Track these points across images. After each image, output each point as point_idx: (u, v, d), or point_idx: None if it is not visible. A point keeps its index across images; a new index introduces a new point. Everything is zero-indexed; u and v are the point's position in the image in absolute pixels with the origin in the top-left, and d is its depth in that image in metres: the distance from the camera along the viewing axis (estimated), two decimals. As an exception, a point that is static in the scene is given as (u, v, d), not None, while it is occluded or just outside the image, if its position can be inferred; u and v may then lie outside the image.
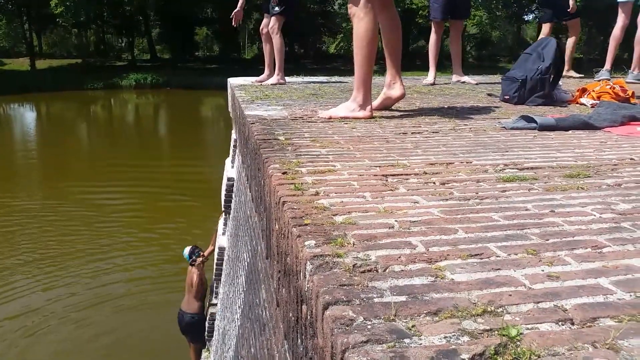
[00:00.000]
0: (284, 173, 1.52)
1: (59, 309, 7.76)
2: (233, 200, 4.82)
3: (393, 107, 2.94)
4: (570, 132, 2.27)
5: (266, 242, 1.81)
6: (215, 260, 5.66)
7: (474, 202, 1.26)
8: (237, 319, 3.22)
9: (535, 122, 2.30)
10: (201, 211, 11.03)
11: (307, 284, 0.89)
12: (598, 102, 3.12)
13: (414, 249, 0.96)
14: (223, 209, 5.39)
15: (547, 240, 1.00)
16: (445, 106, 3.17)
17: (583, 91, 3.30)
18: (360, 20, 2.49)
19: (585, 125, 2.31)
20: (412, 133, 2.22)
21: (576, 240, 1.00)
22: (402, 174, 1.52)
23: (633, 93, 3.31)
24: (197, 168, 15.05)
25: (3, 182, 14.37)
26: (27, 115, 27.18)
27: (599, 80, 3.61)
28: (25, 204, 12.46)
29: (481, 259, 0.92)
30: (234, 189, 4.83)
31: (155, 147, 19.10)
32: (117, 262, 9.41)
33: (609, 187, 1.39)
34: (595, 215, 1.15)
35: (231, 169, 5.16)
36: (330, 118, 2.60)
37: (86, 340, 6.92)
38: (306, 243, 0.99)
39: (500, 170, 1.58)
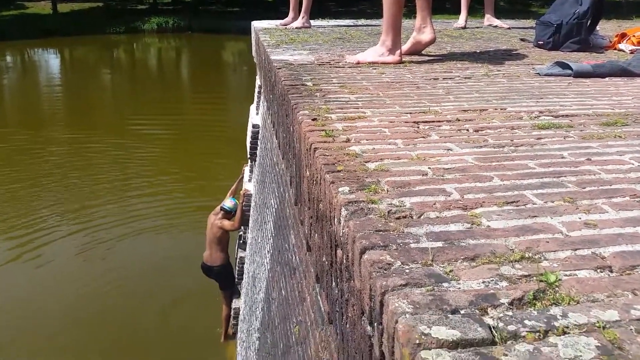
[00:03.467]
0: (313, 119, 1.51)
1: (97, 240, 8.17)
2: (259, 147, 4.84)
3: (423, 52, 2.86)
4: (607, 79, 2.19)
5: (295, 188, 1.83)
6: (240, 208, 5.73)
7: (509, 149, 1.24)
8: (267, 262, 3.31)
9: (570, 68, 2.22)
10: (224, 158, 11.16)
11: (343, 229, 0.91)
12: (638, 47, 2.99)
13: (449, 196, 0.96)
14: (248, 156, 5.42)
15: (584, 188, 0.99)
16: (477, 51, 3.07)
17: (622, 36, 3.16)
18: None
19: (623, 72, 2.22)
20: (443, 79, 2.17)
21: (614, 189, 0.99)
22: (434, 121, 1.50)
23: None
24: (220, 116, 15.07)
25: (29, 128, 14.66)
26: (50, 60, 27.29)
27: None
28: (53, 149, 12.75)
29: (517, 206, 0.91)
30: (260, 136, 4.84)
31: (177, 94, 19.11)
32: (140, 208, 9.70)
33: (648, 136, 1.35)
34: (633, 164, 1.13)
35: (256, 116, 5.16)
36: (358, 63, 2.55)
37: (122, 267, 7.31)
38: (340, 189, 1.00)
39: (535, 117, 1.54)
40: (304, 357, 1.88)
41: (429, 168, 1.11)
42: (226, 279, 5.87)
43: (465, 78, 2.18)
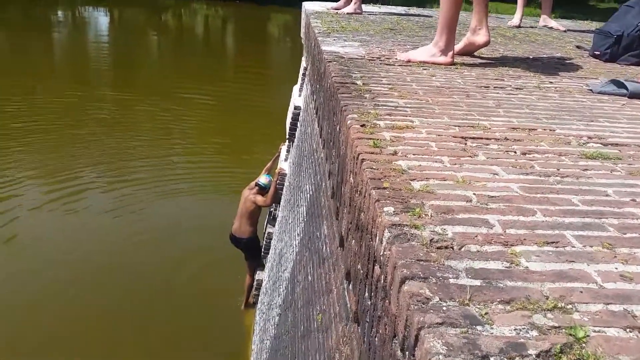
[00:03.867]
0: (362, 125, 1.54)
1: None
2: (298, 130, 4.89)
3: (475, 54, 2.84)
4: (663, 102, 2.14)
5: (335, 185, 1.88)
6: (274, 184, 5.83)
7: (555, 179, 1.25)
8: (295, 245, 3.39)
9: (625, 88, 2.18)
10: (262, 132, 11.29)
11: (384, 250, 0.95)
12: (700, 67, 2.89)
13: (491, 228, 1.00)
14: (287, 136, 5.48)
15: (625, 234, 1.01)
16: (531, 57, 3.02)
17: (685, 53, 3.04)
18: None
19: (682, 97, 2.16)
20: (494, 87, 2.16)
21: (656, 238, 1.00)
22: (482, 138, 1.52)
23: None
24: (261, 91, 15.15)
25: (76, 83, 15.07)
26: (100, 19, 27.84)
27: None
28: (98, 106, 13.12)
29: (557, 247, 0.94)
30: (300, 118, 4.89)
31: (220, 63, 19.27)
32: (177, 172, 9.97)
33: (698, 177, 1.34)
34: (679, 211, 1.13)
35: (298, 98, 5.19)
36: (409, 61, 2.55)
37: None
38: (385, 209, 1.04)
39: (583, 143, 1.54)
40: (324, 345, 1.95)
41: (474, 194, 1.14)
42: (253, 251, 6.03)
43: (517, 89, 2.17)
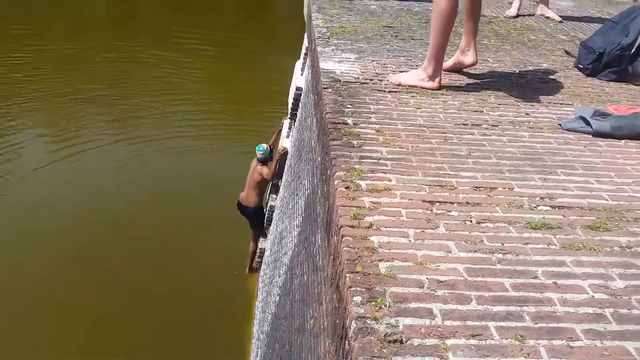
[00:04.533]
0: (347, 187, 1.83)
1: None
2: (299, 112, 5.11)
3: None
4: (622, 142, 2.39)
5: (325, 225, 2.17)
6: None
7: (497, 257, 1.55)
8: (295, 236, 3.72)
9: (591, 126, 2.42)
10: (267, 89, 11.41)
11: (351, 341, 1.27)
12: (674, 86, 3.08)
13: (433, 319, 1.30)
14: (289, 115, 5.70)
15: (537, 324, 1.31)
16: (517, 71, 3.22)
17: (662, 69, 3.23)
18: None
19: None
20: (471, 125, 2.41)
21: (559, 328, 1.31)
22: (447, 202, 1.80)
23: None
24: (264, 54, 14.96)
25: (75, 34, 15.00)
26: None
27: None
28: (100, 58, 13.16)
29: (479, 340, 1.25)
30: (302, 99, 5.10)
31: (222, 26, 18.90)
32: (181, 126, 10.22)
33: (618, 251, 1.63)
34: (588, 294, 1.43)
35: (300, 77, 5.37)
36: (399, 85, 2.78)
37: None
38: (354, 299, 1.35)
39: (534, 207, 1.82)
40: (315, 350, 2.31)
41: (427, 278, 1.44)
42: (257, 220, 6.40)
43: (492, 126, 2.41)
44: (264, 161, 6.14)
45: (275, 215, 5.63)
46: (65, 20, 17.06)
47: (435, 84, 2.76)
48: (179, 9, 18.85)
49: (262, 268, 6.06)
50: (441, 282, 1.43)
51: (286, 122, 6.10)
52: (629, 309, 1.40)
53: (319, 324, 2.27)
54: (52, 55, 13.01)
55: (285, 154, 5.73)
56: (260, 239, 6.30)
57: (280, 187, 5.70)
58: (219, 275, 6.50)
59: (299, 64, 5.66)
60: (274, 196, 6.09)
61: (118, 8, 18.90)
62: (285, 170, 5.46)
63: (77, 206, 7.58)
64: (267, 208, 6.12)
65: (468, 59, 2.94)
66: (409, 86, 2.77)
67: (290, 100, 5.57)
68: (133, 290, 6.23)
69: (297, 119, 5.26)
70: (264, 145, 6.23)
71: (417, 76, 2.80)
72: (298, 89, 5.26)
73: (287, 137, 5.89)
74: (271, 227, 5.72)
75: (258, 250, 6.35)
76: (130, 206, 7.66)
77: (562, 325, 1.32)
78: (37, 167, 8.51)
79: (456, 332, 1.27)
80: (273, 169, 5.97)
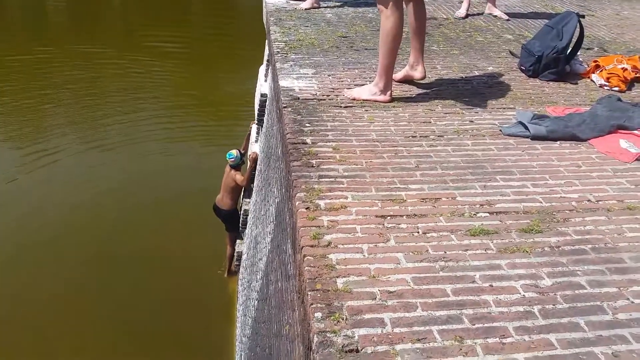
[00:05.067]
0: (307, 208, 2.01)
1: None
2: (265, 118, 5.26)
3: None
4: (558, 143, 2.62)
5: (292, 241, 2.34)
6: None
7: (440, 265, 1.75)
8: (268, 242, 3.89)
9: (529, 130, 2.65)
10: (235, 86, 11.49)
11: (314, 353, 1.45)
12: (606, 84, 3.35)
13: (384, 327, 1.50)
14: (256, 122, 5.84)
15: (474, 324, 1.52)
16: (464, 77, 3.43)
17: (596, 67, 3.49)
18: (387, 18, 2.75)
19: (573, 137, 2.65)
20: (420, 137, 2.61)
21: (493, 327, 1.52)
22: (396, 215, 2.00)
23: (645, 71, 3.50)
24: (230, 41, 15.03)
25: (37, 39, 14.76)
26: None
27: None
28: (63, 63, 13.01)
29: (423, 344, 1.45)
30: (267, 106, 5.24)
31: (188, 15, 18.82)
32: (149, 128, 10.25)
33: (549, 251, 1.85)
34: (520, 294, 1.65)
35: (264, 83, 5.51)
36: (354, 99, 2.97)
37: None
38: (315, 315, 1.53)
39: (474, 214, 2.03)
40: (291, 355, 2.49)
41: (379, 290, 1.63)
42: (232, 223, 6.55)
43: (439, 136, 2.62)
44: (236, 167, 6.27)
45: (249, 219, 5.78)
46: (26, 26, 16.75)
47: (387, 97, 2.96)
48: (144, 8, 18.70)
49: (240, 271, 6.22)
50: (391, 292, 1.63)
51: (254, 127, 6.23)
52: (554, 305, 1.62)
53: (294, 330, 2.45)
54: (15, 65, 12.80)
55: (256, 159, 5.88)
56: (237, 241, 6.45)
57: (253, 192, 5.85)
58: (199, 278, 6.65)
59: (262, 69, 5.80)
60: (247, 200, 6.24)
61: (78, 10, 18.59)
62: (256, 175, 5.62)
63: (50, 216, 7.60)
64: (242, 212, 6.27)
65: (417, 74, 3.15)
66: (363, 100, 2.96)
67: (257, 106, 5.72)
68: (112, 299, 6.32)
69: (264, 125, 5.41)
70: (234, 152, 6.34)
71: (369, 91, 2.99)
72: (263, 95, 5.41)
73: (256, 141, 6.04)
74: (247, 231, 5.87)
75: (235, 254, 6.50)
76: (105, 214, 7.72)
77: (496, 325, 1.53)
78: (9, 180, 8.47)
79: (404, 337, 1.47)
80: (247, 175, 6.11)
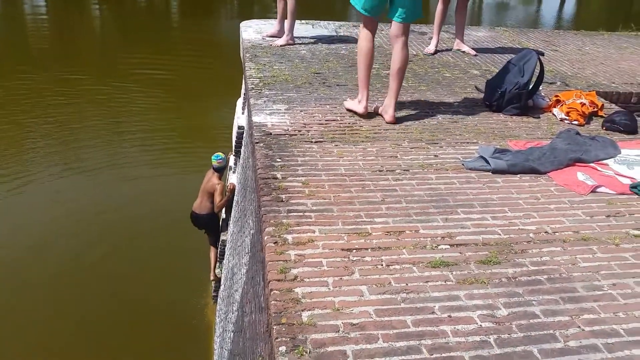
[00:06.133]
0: (275, 243, 2.07)
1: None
2: (242, 149, 5.34)
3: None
4: (518, 176, 2.75)
5: (262, 275, 2.40)
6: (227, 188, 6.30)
7: (401, 297, 1.82)
8: (243, 274, 3.92)
9: (489, 164, 2.77)
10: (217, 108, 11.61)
11: (277, 385, 1.50)
12: (566, 117, 3.52)
13: (346, 359, 1.56)
14: (234, 153, 5.91)
15: (432, 355, 1.59)
16: (430, 112, 3.57)
17: (557, 102, 3.67)
18: (360, 40, 3.18)
19: (532, 170, 2.78)
20: (386, 170, 2.72)
21: (450, 357, 1.58)
22: (361, 248, 2.07)
23: (602, 106, 3.69)
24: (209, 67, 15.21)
25: (19, 64, 14.74)
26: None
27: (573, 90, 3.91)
28: (43, 89, 13.00)
29: (383, 375, 1.51)
30: (243, 138, 5.33)
31: (169, 37, 19.03)
32: (131, 152, 10.28)
33: (506, 282, 1.94)
34: (477, 324, 1.72)
35: (242, 116, 5.61)
36: (347, 110, 3.37)
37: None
38: (280, 349, 1.59)
39: (435, 247, 2.12)
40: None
41: (342, 323, 1.69)
42: (212, 226, 6.51)
43: (404, 171, 2.73)
44: (220, 171, 6.21)
45: (227, 250, 5.79)
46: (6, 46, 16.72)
47: (362, 109, 3.29)
48: (121, 31, 18.92)
49: (218, 302, 6.19)
50: (354, 324, 1.69)
51: (232, 158, 6.29)
52: (509, 334, 1.70)
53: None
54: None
55: (234, 190, 5.91)
56: (221, 234, 6.31)
57: (230, 223, 5.88)
58: (178, 304, 6.61)
59: (240, 102, 5.90)
60: (225, 232, 6.26)
61: (58, 37, 18.69)
62: (233, 206, 5.66)
63: (30, 241, 7.53)
64: (220, 242, 6.25)
65: (386, 117, 3.32)
66: (348, 108, 3.37)
67: (234, 138, 5.79)
68: (88, 323, 6.26)
69: (241, 157, 5.48)
70: (222, 154, 6.23)
71: (353, 102, 3.38)
72: (240, 127, 5.50)
73: (234, 172, 6.10)
74: (224, 262, 5.87)
75: (218, 251, 6.36)
76: (85, 239, 7.68)
77: (453, 354, 1.60)
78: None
79: (364, 370, 1.53)
80: (223, 203, 6.11)
